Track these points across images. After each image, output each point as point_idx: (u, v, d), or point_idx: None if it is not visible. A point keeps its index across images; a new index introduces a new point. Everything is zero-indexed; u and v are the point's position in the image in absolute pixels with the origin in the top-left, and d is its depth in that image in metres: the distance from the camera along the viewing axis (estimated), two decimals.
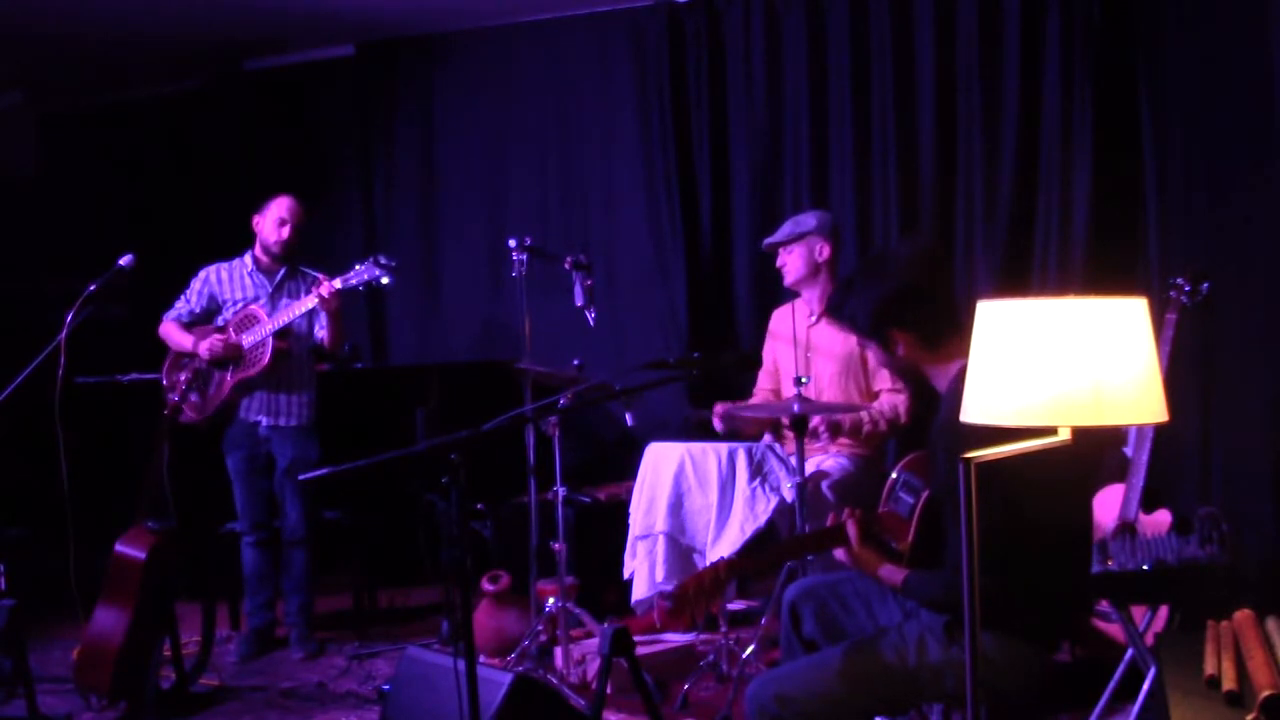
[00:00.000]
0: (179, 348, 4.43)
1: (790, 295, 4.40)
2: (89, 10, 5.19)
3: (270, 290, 4.45)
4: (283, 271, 4.48)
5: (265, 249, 4.45)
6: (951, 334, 2.40)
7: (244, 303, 4.42)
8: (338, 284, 4.24)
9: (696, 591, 2.47)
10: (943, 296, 2.45)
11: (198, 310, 4.46)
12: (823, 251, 4.15)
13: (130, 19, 5.34)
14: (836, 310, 2.52)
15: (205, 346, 4.33)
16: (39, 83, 6.31)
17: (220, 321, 4.44)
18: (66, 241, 6.05)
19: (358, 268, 4.26)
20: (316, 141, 6.20)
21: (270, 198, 4.46)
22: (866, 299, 2.42)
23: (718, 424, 4.14)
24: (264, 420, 4.43)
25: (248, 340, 4.35)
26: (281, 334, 4.33)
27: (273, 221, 4.41)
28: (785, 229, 4.20)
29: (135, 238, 4.90)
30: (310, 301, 4.27)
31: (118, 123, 6.61)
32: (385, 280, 4.23)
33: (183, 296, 4.48)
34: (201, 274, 4.49)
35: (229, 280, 4.46)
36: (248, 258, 4.48)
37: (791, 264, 4.17)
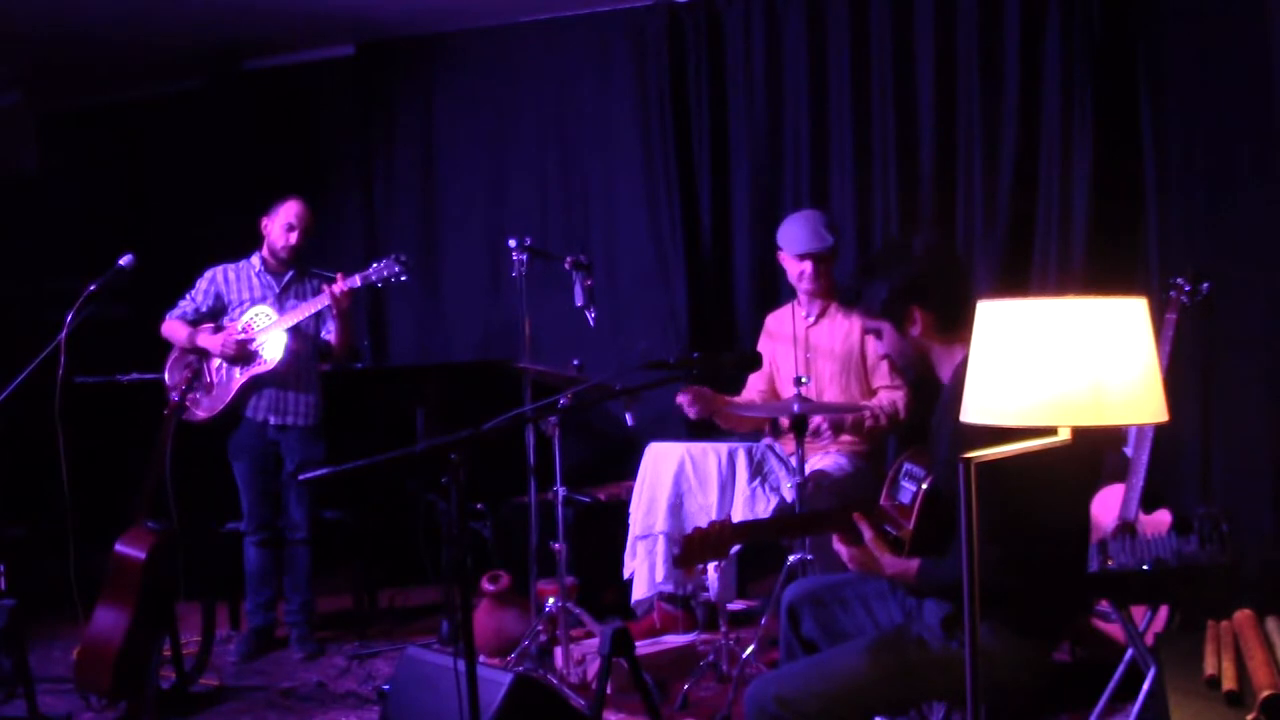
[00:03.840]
0: (186, 344, 4.42)
1: (789, 296, 4.40)
2: (89, 10, 5.18)
3: (278, 291, 4.46)
4: (290, 274, 4.49)
5: (273, 252, 4.45)
6: (963, 321, 2.42)
7: (250, 303, 4.43)
8: (357, 280, 4.30)
9: (702, 544, 2.54)
10: (962, 282, 2.58)
11: (204, 309, 4.45)
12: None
13: (130, 19, 5.34)
14: (852, 294, 2.60)
15: (218, 343, 4.34)
16: (39, 83, 6.30)
17: (226, 322, 4.44)
18: (66, 241, 6.05)
19: (376, 265, 4.34)
20: (316, 141, 6.20)
21: (278, 201, 4.45)
22: (897, 275, 2.49)
23: (690, 411, 4.02)
24: (272, 419, 4.44)
25: (260, 337, 4.36)
26: (291, 331, 4.36)
27: (280, 227, 4.42)
28: (819, 235, 4.08)
29: (135, 237, 4.89)
30: (324, 300, 4.30)
31: (118, 123, 6.60)
32: (404, 278, 4.33)
33: (187, 295, 4.48)
34: (208, 274, 4.49)
35: (236, 281, 4.46)
36: (255, 259, 4.49)
37: (825, 275, 4.14)
